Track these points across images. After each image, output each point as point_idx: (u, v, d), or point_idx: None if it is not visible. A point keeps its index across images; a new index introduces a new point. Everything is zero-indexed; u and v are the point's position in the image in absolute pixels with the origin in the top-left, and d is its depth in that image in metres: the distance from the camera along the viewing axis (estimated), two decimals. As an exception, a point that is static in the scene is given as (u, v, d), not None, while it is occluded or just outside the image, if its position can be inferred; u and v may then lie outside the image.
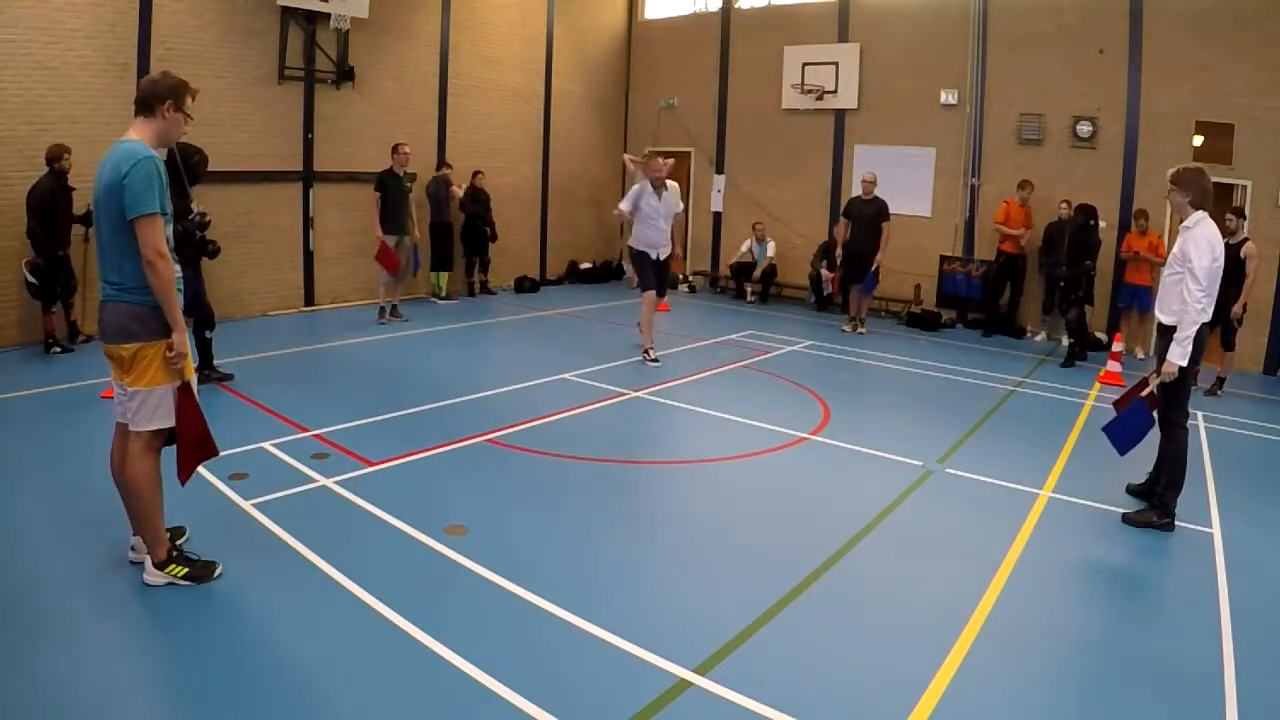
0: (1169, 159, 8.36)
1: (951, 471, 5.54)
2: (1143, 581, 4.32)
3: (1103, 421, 5.51)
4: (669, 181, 8.31)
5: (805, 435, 6.19)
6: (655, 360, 8.18)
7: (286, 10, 9.54)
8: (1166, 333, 4.72)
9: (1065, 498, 5.16)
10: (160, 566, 3.54)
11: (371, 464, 5.12)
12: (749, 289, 12.97)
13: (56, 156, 7.37)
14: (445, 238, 11.42)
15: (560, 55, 13.51)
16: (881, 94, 12.04)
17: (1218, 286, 4.62)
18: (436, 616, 3.41)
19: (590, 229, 14.42)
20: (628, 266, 8.84)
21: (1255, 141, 9.17)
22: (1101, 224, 10.16)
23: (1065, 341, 9.46)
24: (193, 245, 6.18)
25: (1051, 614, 3.80)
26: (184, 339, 3.45)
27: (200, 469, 4.08)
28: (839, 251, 10.74)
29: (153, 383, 3.42)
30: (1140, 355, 9.66)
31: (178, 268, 3.45)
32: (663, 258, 8.33)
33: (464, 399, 6.71)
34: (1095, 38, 10.16)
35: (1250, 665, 3.33)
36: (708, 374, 8.01)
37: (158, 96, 3.40)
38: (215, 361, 6.83)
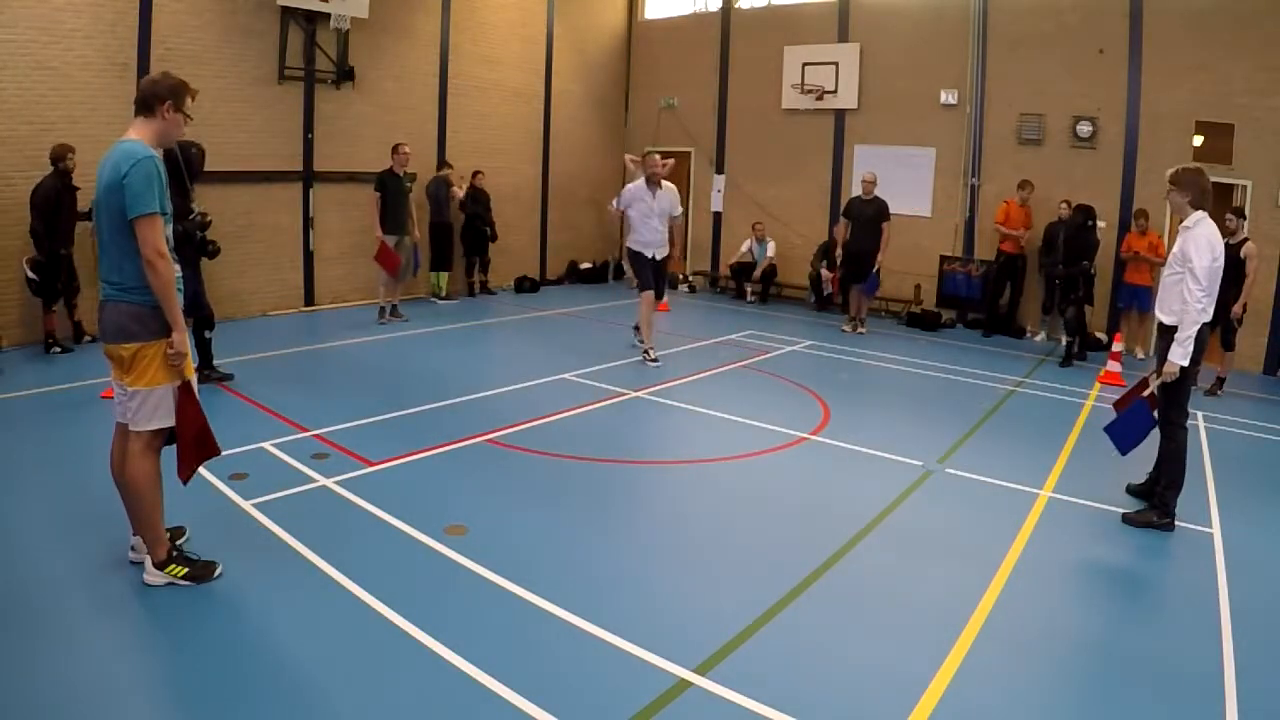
0: (1169, 159, 8.36)
1: (951, 471, 5.54)
2: (1143, 581, 4.32)
3: (1103, 421, 5.52)
4: (666, 183, 8.28)
5: (805, 435, 6.19)
6: (655, 360, 8.18)
7: (286, 10, 9.54)
8: (1167, 333, 4.72)
9: (1065, 498, 5.15)
10: (160, 566, 3.54)
11: (371, 464, 5.12)
12: (749, 289, 12.97)
13: (61, 156, 7.39)
14: (445, 238, 11.42)
15: (560, 55, 13.51)
16: (881, 94, 12.04)
17: (1218, 286, 4.62)
18: (436, 616, 3.41)
19: (590, 229, 14.42)
20: (627, 267, 8.86)
21: (1255, 141, 9.17)
22: (1101, 224, 10.17)
23: (1064, 340, 9.46)
24: (193, 245, 6.18)
25: (1051, 614, 3.80)
26: (184, 338, 3.46)
27: (200, 469, 4.07)
28: (839, 251, 10.75)
29: (153, 382, 3.42)
30: (1140, 355, 9.66)
31: (177, 267, 3.45)
32: (658, 257, 8.31)
33: (464, 399, 6.71)
34: (1095, 38, 10.16)
35: (1250, 665, 3.33)
36: (708, 374, 8.01)
37: (157, 97, 3.40)
38: (215, 361, 6.83)
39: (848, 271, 10.64)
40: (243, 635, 3.28)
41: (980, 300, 11.15)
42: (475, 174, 11.69)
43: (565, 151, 13.81)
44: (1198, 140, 9.58)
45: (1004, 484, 5.34)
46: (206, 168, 6.36)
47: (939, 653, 3.32)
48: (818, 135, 12.68)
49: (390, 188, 9.59)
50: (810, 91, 12.50)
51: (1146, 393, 4.90)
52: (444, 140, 11.80)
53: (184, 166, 5.78)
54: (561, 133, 13.71)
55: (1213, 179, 4.84)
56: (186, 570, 3.58)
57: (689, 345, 9.32)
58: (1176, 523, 4.74)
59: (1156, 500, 4.80)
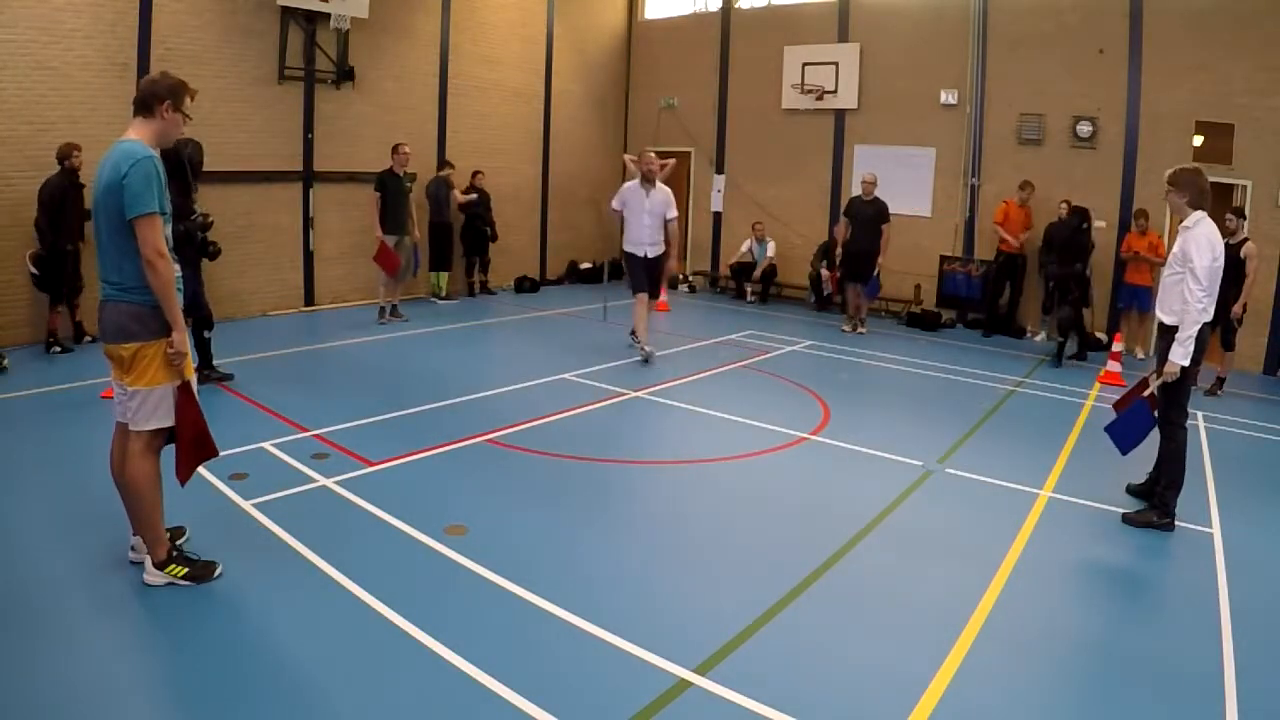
0: (1169, 159, 8.36)
1: (951, 471, 5.54)
2: (1143, 581, 4.32)
3: (1103, 422, 5.52)
4: (661, 185, 8.30)
5: (805, 435, 6.19)
6: (646, 357, 8.20)
7: (286, 10, 9.54)
8: (1167, 333, 4.72)
9: (1065, 498, 5.16)
10: (160, 566, 3.54)
11: (371, 464, 5.12)
12: (749, 289, 12.97)
13: (66, 154, 7.43)
14: (445, 238, 11.42)
15: (560, 55, 13.51)
16: (881, 94, 12.04)
17: (1218, 286, 4.62)
18: (436, 616, 3.41)
19: (590, 229, 14.42)
20: (626, 267, 8.87)
21: (1255, 141, 9.17)
22: (1101, 224, 10.19)
23: (1056, 339, 9.47)
24: (193, 245, 6.18)
25: (1051, 614, 3.80)
26: (184, 338, 3.46)
27: (200, 469, 4.08)
28: (839, 251, 10.75)
29: (153, 382, 3.42)
30: (1140, 355, 9.66)
31: (177, 267, 3.45)
32: (650, 256, 8.29)
33: (464, 399, 6.71)
34: (1095, 38, 10.16)
35: (1250, 665, 3.33)
36: (708, 374, 8.01)
37: (156, 97, 3.40)
38: (215, 361, 6.83)
39: (847, 271, 10.64)
40: (243, 635, 3.28)
41: (980, 300, 11.15)
42: (475, 174, 11.70)
43: (565, 151, 13.80)
44: (1198, 140, 9.58)
45: (1004, 484, 5.34)
46: (206, 168, 6.36)
47: (939, 653, 3.32)
48: (818, 135, 12.68)
49: (390, 188, 9.59)
50: (810, 91, 12.50)
51: (1147, 393, 4.90)
52: (444, 140, 11.80)
53: (186, 165, 5.78)
54: (561, 133, 13.70)
55: (1213, 179, 4.84)
56: (186, 570, 3.58)
57: (689, 345, 9.32)
58: (1176, 523, 4.74)
59: (1156, 500, 4.80)
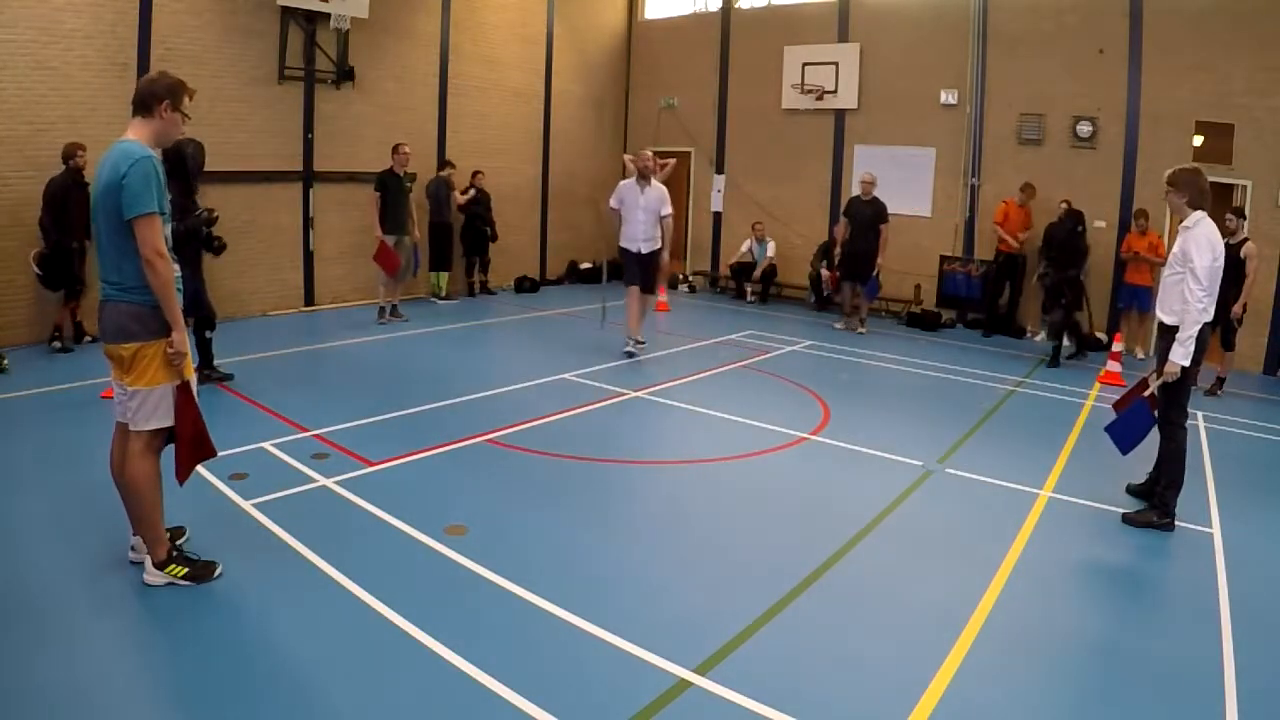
0: (1169, 159, 8.35)
1: (951, 471, 5.54)
2: (1143, 581, 4.32)
3: (1103, 422, 5.52)
4: (656, 183, 8.39)
5: (805, 435, 6.19)
6: (634, 349, 8.40)
7: (286, 10, 9.54)
8: (1167, 333, 4.72)
9: (1065, 498, 5.16)
10: (160, 566, 3.54)
11: (371, 464, 5.12)
12: (749, 289, 12.97)
13: (71, 154, 7.46)
14: (445, 238, 11.42)
15: (560, 55, 13.51)
16: (881, 94, 12.04)
17: (1218, 286, 4.62)
18: (436, 616, 3.41)
19: (590, 229, 14.41)
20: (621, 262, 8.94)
21: (1255, 141, 9.17)
22: (1100, 224, 10.19)
23: (1051, 341, 9.45)
24: (197, 242, 6.15)
25: (1051, 614, 3.80)
26: (184, 338, 3.46)
27: (200, 469, 4.09)
28: (838, 251, 10.76)
29: (153, 382, 3.42)
30: (1140, 355, 9.65)
31: (177, 267, 3.45)
32: (644, 252, 8.39)
33: (464, 399, 6.71)
34: (1095, 38, 10.16)
35: (1250, 665, 3.33)
36: (708, 374, 8.01)
37: (155, 96, 3.40)
38: (216, 362, 6.83)
39: (845, 271, 10.65)
40: (243, 635, 3.28)
41: (980, 300, 11.15)
42: (475, 174, 11.69)
43: (565, 151, 13.81)
44: (1198, 140, 9.58)
45: (1004, 484, 5.34)
46: (206, 168, 6.35)
47: (939, 653, 3.32)
48: (818, 135, 12.68)
49: (390, 188, 9.59)
50: (810, 91, 12.50)
51: (1147, 393, 4.90)
52: (444, 140, 11.80)
53: (188, 164, 5.77)
54: (561, 133, 13.70)
55: (1212, 179, 4.85)
56: (186, 570, 3.58)
57: (689, 345, 9.32)
58: (1176, 523, 4.74)
59: (1156, 500, 4.80)
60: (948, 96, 11.40)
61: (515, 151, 13.02)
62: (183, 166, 5.81)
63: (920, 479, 5.37)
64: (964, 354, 9.60)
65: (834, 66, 12.28)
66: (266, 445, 5.35)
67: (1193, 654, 3.45)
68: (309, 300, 10.47)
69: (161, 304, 3.34)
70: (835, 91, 12.31)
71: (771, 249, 12.73)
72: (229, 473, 4.76)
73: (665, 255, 8.56)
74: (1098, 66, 10.17)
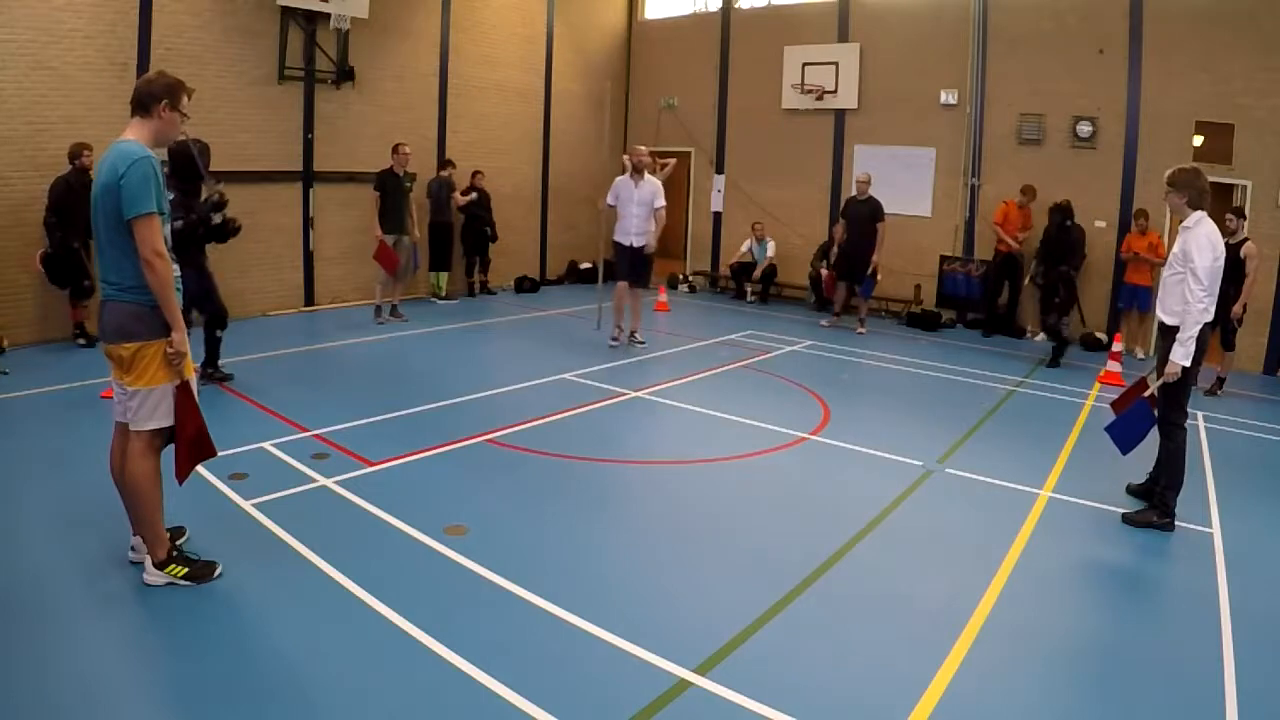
0: (1169, 159, 8.35)
1: (951, 471, 5.54)
2: (1143, 581, 4.32)
3: (1103, 422, 5.52)
4: (650, 176, 8.58)
5: (805, 435, 6.19)
6: (616, 339, 8.77)
7: (286, 10, 9.54)
8: (1168, 333, 4.72)
9: (1065, 498, 5.16)
10: (160, 566, 3.54)
11: (371, 464, 5.12)
12: (749, 289, 12.97)
13: (77, 154, 7.49)
14: (445, 238, 11.42)
15: (560, 55, 13.51)
16: (881, 94, 12.04)
17: (1219, 286, 4.61)
18: (436, 616, 3.41)
19: (590, 229, 14.37)
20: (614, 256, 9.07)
21: (1255, 141, 9.18)
22: (1100, 224, 10.19)
23: (1049, 342, 9.43)
24: (205, 236, 6.11)
25: (1051, 614, 3.80)
26: (184, 338, 3.45)
27: (200, 469, 4.09)
28: (835, 250, 10.78)
29: (152, 382, 3.42)
30: (1140, 355, 9.66)
31: (176, 267, 3.45)
32: (636, 245, 8.55)
33: (464, 399, 6.71)
34: (1095, 38, 10.16)
35: (1250, 665, 3.33)
36: (708, 374, 8.01)
37: (153, 96, 3.39)
38: (219, 361, 6.80)
39: (842, 270, 10.66)
40: (243, 635, 3.28)
41: (980, 300, 11.15)
42: (475, 174, 11.70)
43: (565, 151, 13.80)
44: (1198, 140, 9.58)
45: (1004, 484, 5.34)
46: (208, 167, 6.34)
47: (939, 653, 3.32)
48: (818, 135, 12.68)
49: (390, 187, 9.58)
50: (810, 91, 12.50)
51: (1147, 394, 4.90)
52: (444, 140, 11.80)
53: (197, 162, 5.75)
54: (561, 133, 13.70)
55: (1213, 179, 4.84)
56: (186, 570, 3.58)
57: (689, 345, 9.32)
58: (1176, 523, 4.74)
59: (1156, 500, 4.80)
60: (948, 96, 11.40)
61: (515, 151, 13.02)
62: (189, 167, 5.80)
63: (920, 479, 5.37)
64: (964, 354, 9.60)
65: (834, 66, 12.28)
66: (266, 445, 5.35)
67: (1193, 654, 3.45)
68: (309, 300, 10.47)
69: (161, 304, 3.33)
70: (835, 91, 12.31)
71: (771, 249, 12.73)
72: (229, 473, 4.76)
73: (651, 240, 8.61)
74: (1098, 66, 10.17)
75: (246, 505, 4.41)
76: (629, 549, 4.30)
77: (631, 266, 8.63)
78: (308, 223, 10.30)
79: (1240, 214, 7.99)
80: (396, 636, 3.28)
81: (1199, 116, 9.54)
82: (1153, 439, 4.94)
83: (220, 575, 3.65)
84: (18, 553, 3.82)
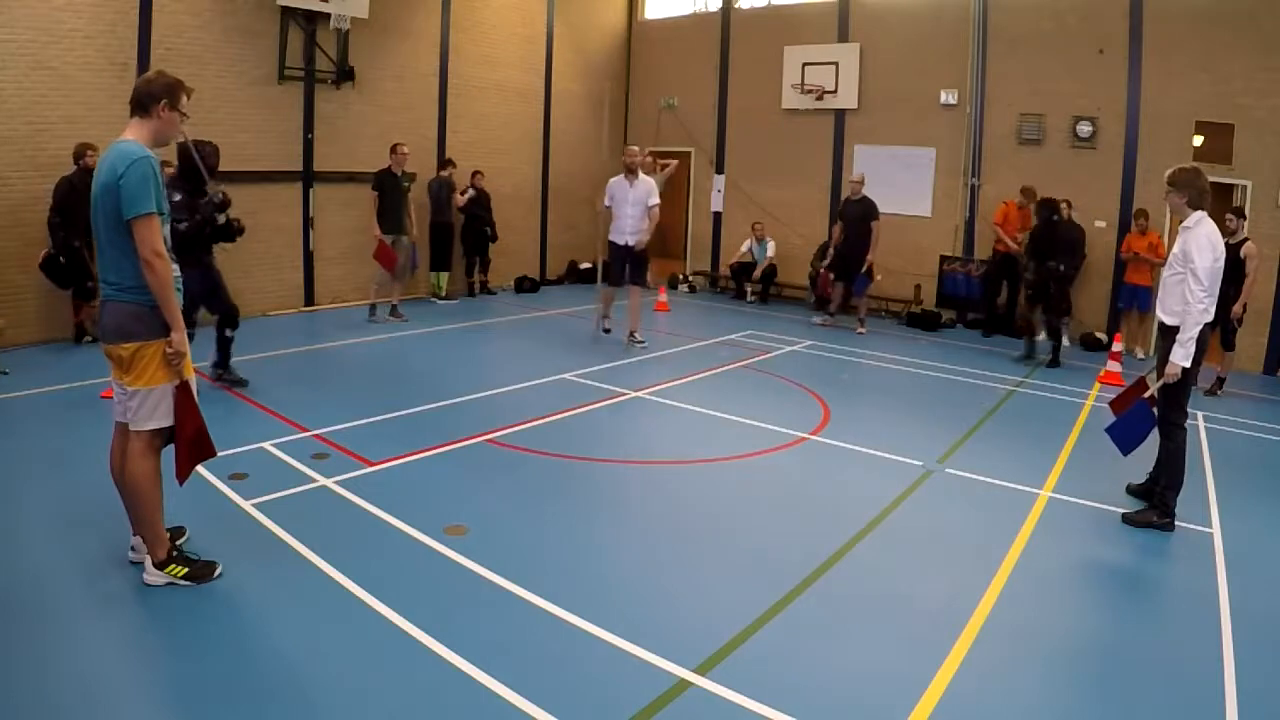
0: (1169, 159, 8.35)
1: (951, 471, 5.54)
2: (1143, 581, 4.32)
3: (1103, 422, 5.52)
4: (643, 175, 8.71)
5: (805, 435, 6.19)
6: (598, 328, 9.10)
7: (286, 10, 9.54)
8: (1168, 333, 4.72)
9: (1065, 498, 5.15)
10: (160, 566, 3.54)
11: (371, 464, 5.12)
12: (749, 289, 12.98)
13: (81, 154, 7.50)
14: (446, 238, 11.42)
15: (560, 55, 13.51)
16: (881, 94, 12.04)
17: (1219, 287, 4.61)
18: (436, 616, 3.41)
19: (590, 229, 14.40)
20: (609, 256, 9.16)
21: (1255, 141, 9.18)
22: (1100, 224, 10.19)
23: (1050, 341, 9.41)
24: (209, 236, 6.11)
25: (1051, 614, 3.80)
26: (184, 338, 3.45)
27: (200, 469, 4.09)
28: (831, 250, 10.82)
29: (152, 382, 3.42)
30: (1140, 355, 9.66)
31: (176, 267, 3.45)
32: (630, 244, 8.67)
33: (464, 399, 6.71)
34: (1095, 38, 10.16)
35: (1250, 665, 3.33)
36: (708, 374, 8.01)
37: (152, 96, 3.39)
38: (231, 363, 6.74)
39: (838, 271, 10.70)
40: (243, 635, 3.28)
41: (980, 300, 11.15)
42: (475, 174, 11.69)
43: (565, 151, 13.81)
44: (1198, 140, 9.59)
45: (1004, 484, 5.34)
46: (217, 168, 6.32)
47: (939, 653, 3.32)
48: (818, 135, 12.68)
49: (388, 187, 9.57)
50: (810, 91, 12.50)
51: (1147, 394, 4.89)
52: (444, 140, 11.80)
53: (200, 162, 5.76)
54: (561, 133, 13.71)
55: (1213, 179, 4.84)
56: (186, 570, 3.58)
57: (689, 345, 9.32)
58: (1176, 523, 4.74)
59: (1156, 500, 4.80)
60: (948, 96, 11.41)
61: (515, 151, 13.02)
62: (192, 168, 5.80)
63: (920, 479, 5.37)
64: (964, 354, 9.60)
65: (834, 66, 12.28)
66: (266, 445, 5.35)
67: (1193, 654, 3.45)
68: (309, 300, 10.47)
69: (160, 304, 3.33)
70: (835, 91, 12.31)
71: (771, 249, 12.73)
72: (229, 473, 4.76)
73: (644, 237, 8.68)
74: (1098, 66, 10.17)
75: (246, 505, 4.41)
76: (629, 549, 4.30)
77: (629, 266, 8.73)
78: (308, 223, 10.30)
79: (1240, 214, 7.99)
80: (396, 636, 3.28)
81: (1199, 116, 9.54)
82: (1153, 440, 4.94)
83: (220, 575, 3.65)
84: (18, 553, 3.82)
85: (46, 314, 7.97)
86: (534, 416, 6.28)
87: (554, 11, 13.26)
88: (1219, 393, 8.11)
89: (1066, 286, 9.14)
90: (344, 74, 10.26)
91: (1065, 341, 9.34)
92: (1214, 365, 7.99)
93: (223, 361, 6.66)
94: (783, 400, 7.22)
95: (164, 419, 3.48)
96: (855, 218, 10.27)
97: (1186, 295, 4.55)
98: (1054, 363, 9.07)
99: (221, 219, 6.07)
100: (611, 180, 8.87)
